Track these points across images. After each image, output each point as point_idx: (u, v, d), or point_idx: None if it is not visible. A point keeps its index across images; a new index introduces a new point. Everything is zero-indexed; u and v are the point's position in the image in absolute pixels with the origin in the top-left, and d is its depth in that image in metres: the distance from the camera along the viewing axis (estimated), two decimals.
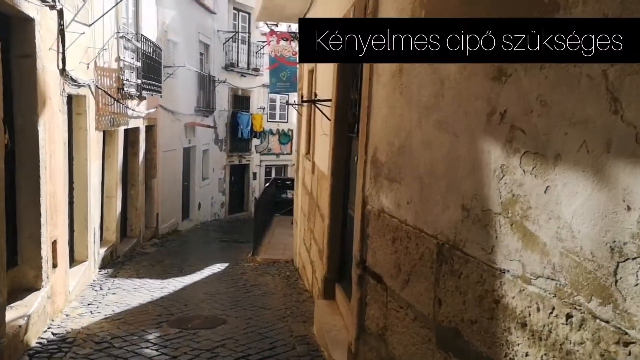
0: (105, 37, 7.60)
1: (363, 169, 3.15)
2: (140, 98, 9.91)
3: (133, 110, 9.39)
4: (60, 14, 5.15)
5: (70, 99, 6.49)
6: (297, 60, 10.98)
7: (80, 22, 6.10)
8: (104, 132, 8.05)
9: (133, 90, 9.32)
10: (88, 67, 6.74)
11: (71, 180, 6.71)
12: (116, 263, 8.53)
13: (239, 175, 19.05)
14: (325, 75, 5.27)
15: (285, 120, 20.66)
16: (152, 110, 10.68)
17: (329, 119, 4.75)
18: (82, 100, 6.66)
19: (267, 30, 19.31)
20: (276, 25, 11.15)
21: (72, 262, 6.84)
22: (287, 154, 20.80)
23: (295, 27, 10.83)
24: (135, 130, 10.02)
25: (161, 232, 12.10)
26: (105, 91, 7.55)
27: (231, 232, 14.85)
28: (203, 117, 15.36)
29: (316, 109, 6.13)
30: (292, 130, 20.84)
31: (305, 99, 7.42)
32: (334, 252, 4.66)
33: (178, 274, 8.09)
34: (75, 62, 6.04)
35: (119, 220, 9.06)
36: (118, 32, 8.30)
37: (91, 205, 7.15)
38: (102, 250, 8.07)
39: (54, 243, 5.11)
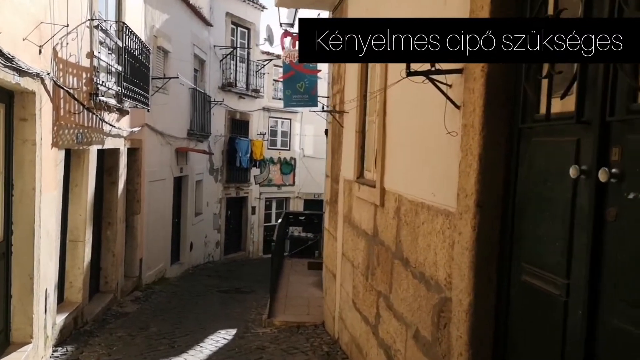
0: (71, 20, 5.47)
1: None
2: (122, 112, 7.72)
3: (111, 126, 7.18)
4: None
5: (8, 95, 4.27)
6: (318, 68, 8.95)
7: None
8: (67, 151, 5.81)
9: (112, 101, 7.14)
10: (41, 52, 4.56)
11: (7, 219, 4.41)
12: (82, 334, 6.12)
13: (236, 209, 16.72)
14: None
15: (287, 148, 18.58)
16: (136, 129, 8.48)
17: (458, 107, 2.60)
18: (29, 98, 4.44)
19: (268, 48, 17.47)
20: (291, 25, 9.21)
21: (7, 346, 4.47)
22: (290, 185, 18.61)
23: None
24: (114, 152, 7.78)
25: (145, 282, 9.69)
26: (68, 92, 5.35)
27: (230, 278, 12.44)
28: (197, 142, 13.18)
29: (386, 103, 4.01)
30: (294, 159, 18.74)
31: (351, 99, 5.31)
32: (484, 354, 2.42)
33: (168, 350, 5.70)
34: (14, 33, 3.87)
35: (88, 272, 6.69)
36: (92, 19, 6.18)
37: (42, 255, 4.83)
38: (61, 319, 5.69)
39: None
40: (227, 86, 15.23)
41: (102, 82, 6.39)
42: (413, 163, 3.43)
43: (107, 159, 7.69)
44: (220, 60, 14.99)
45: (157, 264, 10.49)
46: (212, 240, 15.18)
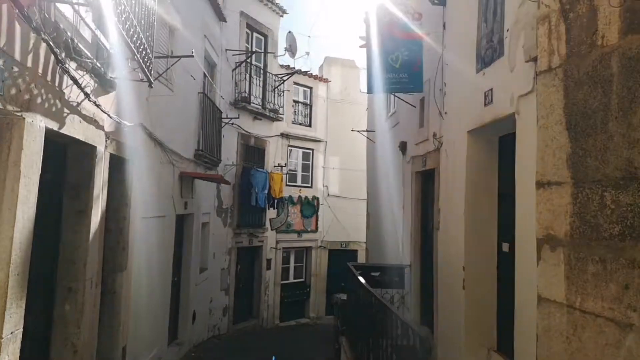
0: None
1: None
2: (102, 81, 4.17)
3: (82, 90, 3.61)
4: None
5: None
6: (422, 29, 5.64)
7: None
8: None
9: (86, 51, 3.63)
10: None
11: None
12: None
13: (247, 262, 12.85)
14: None
15: (309, 184, 15.01)
16: (126, 123, 4.89)
17: None
18: None
19: (287, 61, 14.34)
20: None
21: None
22: (312, 231, 14.89)
23: None
24: (85, 153, 4.14)
25: None
26: None
27: None
28: (205, 169, 9.59)
29: None
30: (317, 199, 15.14)
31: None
32: None
33: None
34: None
35: None
36: None
37: None
38: None
39: None
40: (241, 102, 11.83)
41: None
42: None
43: (70, 163, 4.04)
44: (233, 70, 11.68)
45: (148, 351, 6.57)
46: (219, 305, 11.21)
